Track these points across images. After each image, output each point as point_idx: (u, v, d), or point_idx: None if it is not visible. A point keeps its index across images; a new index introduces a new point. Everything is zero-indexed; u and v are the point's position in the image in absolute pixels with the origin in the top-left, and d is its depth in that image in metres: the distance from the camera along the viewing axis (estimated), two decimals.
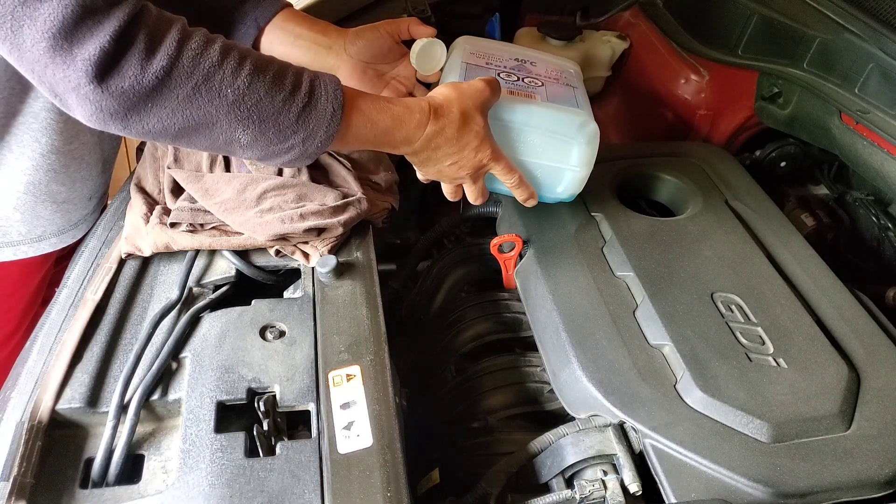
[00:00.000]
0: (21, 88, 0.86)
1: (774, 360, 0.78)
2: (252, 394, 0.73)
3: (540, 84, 0.94)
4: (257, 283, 0.90)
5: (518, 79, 0.94)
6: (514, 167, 0.87)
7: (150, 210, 0.91)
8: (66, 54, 0.57)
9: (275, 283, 0.91)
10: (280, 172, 0.93)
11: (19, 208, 0.94)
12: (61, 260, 1.06)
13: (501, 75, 0.93)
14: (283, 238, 0.87)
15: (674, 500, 0.66)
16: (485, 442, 0.84)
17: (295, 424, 0.74)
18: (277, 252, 0.89)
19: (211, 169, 0.94)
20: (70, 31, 0.57)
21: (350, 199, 0.90)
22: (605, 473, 0.70)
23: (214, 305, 0.84)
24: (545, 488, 0.74)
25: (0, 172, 0.91)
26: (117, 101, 0.60)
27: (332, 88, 0.70)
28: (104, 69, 0.58)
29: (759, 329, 0.81)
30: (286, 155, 0.71)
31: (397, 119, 0.75)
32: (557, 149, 0.89)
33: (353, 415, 0.70)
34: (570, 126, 0.88)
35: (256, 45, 0.90)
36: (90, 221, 1.05)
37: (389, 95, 0.96)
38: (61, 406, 0.72)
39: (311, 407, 0.72)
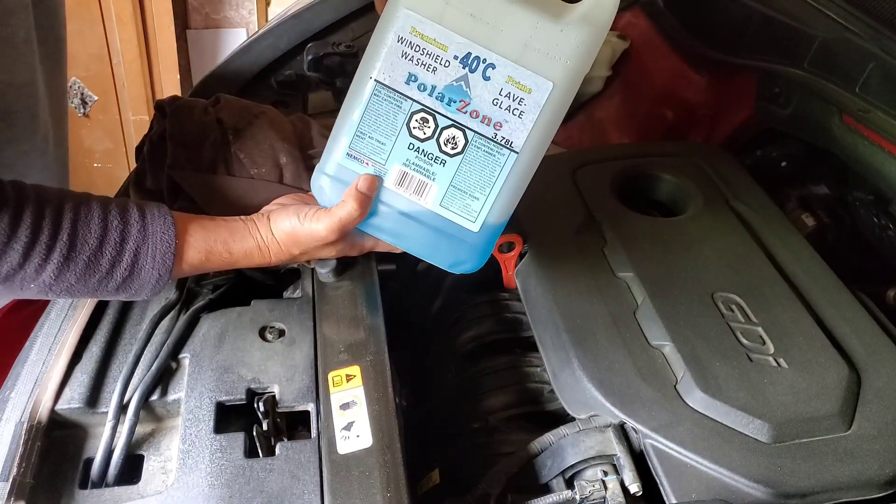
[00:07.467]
0: None
1: (775, 360, 0.78)
2: (251, 394, 0.73)
3: (460, 146, 0.70)
4: (257, 283, 0.90)
5: (434, 131, 0.70)
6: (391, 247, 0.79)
7: None
8: None
9: (274, 283, 0.91)
10: (281, 176, 0.92)
11: None
12: None
13: (415, 120, 0.69)
14: None
15: (674, 501, 0.65)
16: (485, 442, 0.84)
17: (294, 425, 0.74)
18: None
19: (212, 170, 0.94)
20: None
21: None
22: (606, 474, 0.70)
23: (214, 305, 0.84)
24: (545, 489, 0.74)
25: None
26: None
27: (160, 253, 0.68)
28: None
29: (760, 329, 0.81)
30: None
31: (247, 255, 0.74)
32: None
33: (352, 415, 0.70)
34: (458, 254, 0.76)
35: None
36: None
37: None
38: (61, 406, 0.72)
39: (311, 407, 0.72)
